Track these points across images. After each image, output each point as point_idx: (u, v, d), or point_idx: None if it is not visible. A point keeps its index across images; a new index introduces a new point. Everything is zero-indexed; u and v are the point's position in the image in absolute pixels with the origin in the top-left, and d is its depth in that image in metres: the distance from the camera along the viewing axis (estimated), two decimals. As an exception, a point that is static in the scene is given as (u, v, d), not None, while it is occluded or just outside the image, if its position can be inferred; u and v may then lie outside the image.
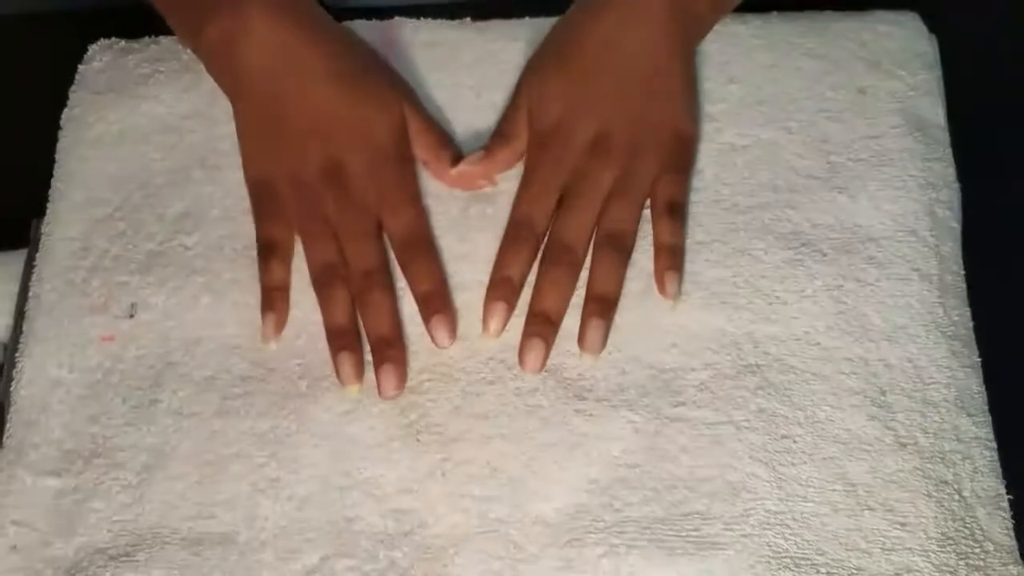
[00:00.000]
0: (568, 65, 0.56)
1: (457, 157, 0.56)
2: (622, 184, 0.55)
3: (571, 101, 0.56)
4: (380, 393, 0.52)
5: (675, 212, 0.54)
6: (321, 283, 0.54)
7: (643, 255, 0.55)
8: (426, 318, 0.53)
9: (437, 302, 0.53)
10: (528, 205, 0.55)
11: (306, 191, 0.55)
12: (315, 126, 0.55)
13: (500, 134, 0.57)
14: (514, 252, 0.54)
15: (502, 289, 0.53)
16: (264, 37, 0.55)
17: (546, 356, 0.52)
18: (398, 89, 0.57)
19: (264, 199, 0.56)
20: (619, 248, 0.54)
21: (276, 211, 0.55)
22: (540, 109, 0.56)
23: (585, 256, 0.54)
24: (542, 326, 0.52)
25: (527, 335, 0.52)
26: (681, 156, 0.56)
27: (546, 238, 0.55)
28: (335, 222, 0.54)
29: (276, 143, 0.56)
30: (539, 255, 0.54)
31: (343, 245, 0.54)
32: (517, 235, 0.54)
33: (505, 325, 0.53)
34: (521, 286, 0.54)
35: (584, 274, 0.54)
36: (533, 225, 0.54)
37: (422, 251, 0.54)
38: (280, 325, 0.54)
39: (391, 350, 0.52)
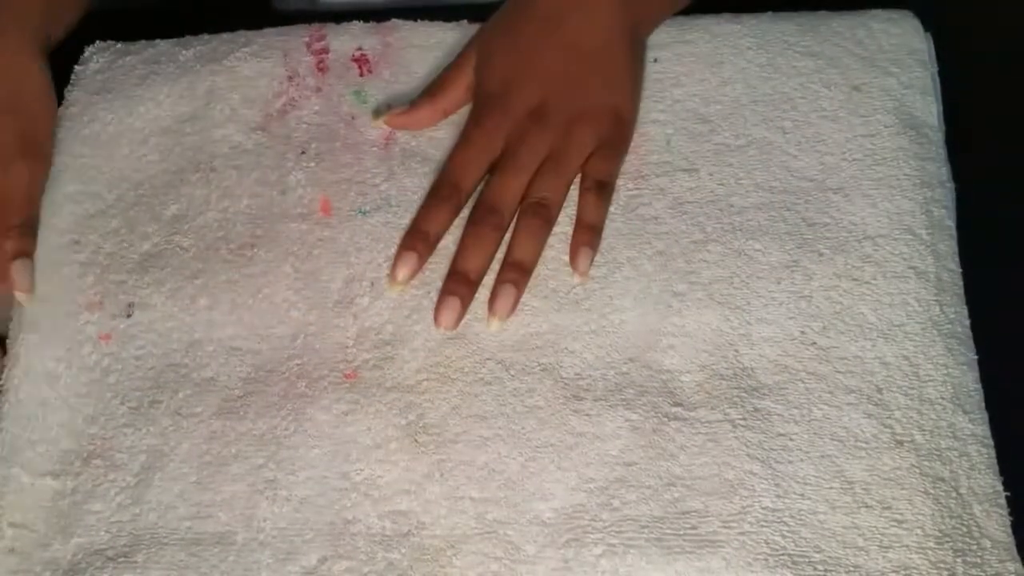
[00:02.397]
0: (516, 36, 0.58)
1: None
2: (555, 155, 0.56)
3: (515, 70, 0.57)
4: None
5: (601, 191, 0.55)
6: None
7: (640, 253, 0.55)
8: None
9: None
10: (459, 166, 0.56)
11: None
12: None
13: (429, 91, 0.59)
14: (436, 209, 0.55)
15: (417, 240, 0.55)
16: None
17: (462, 315, 0.53)
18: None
19: None
20: (541, 217, 0.55)
21: None
22: (485, 75, 0.58)
23: (511, 220, 0.55)
24: (461, 285, 0.53)
25: (445, 292, 0.53)
26: (617, 136, 0.57)
27: (476, 200, 0.56)
28: None
29: None
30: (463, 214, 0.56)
31: None
32: (441, 193, 0.55)
33: (414, 275, 0.54)
34: (436, 242, 0.55)
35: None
36: (460, 186, 0.55)
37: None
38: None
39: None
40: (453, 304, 0.53)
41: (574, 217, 0.56)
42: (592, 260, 0.54)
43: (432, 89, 0.59)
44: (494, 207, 0.55)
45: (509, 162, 0.56)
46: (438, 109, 0.58)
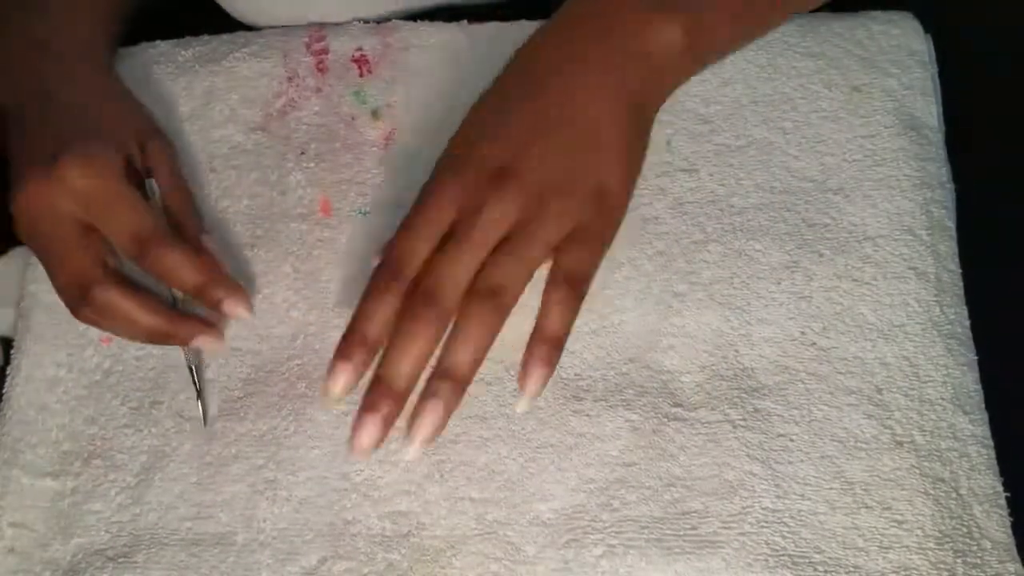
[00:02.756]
0: (497, 95, 0.49)
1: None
2: (520, 232, 0.45)
3: (483, 126, 0.48)
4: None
5: (573, 287, 0.45)
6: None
7: (640, 253, 0.55)
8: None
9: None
10: (404, 242, 0.45)
11: None
12: None
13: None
14: (375, 302, 0.44)
15: (353, 346, 0.44)
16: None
17: (382, 438, 0.43)
18: None
19: None
20: (491, 304, 0.44)
21: None
22: (454, 136, 0.48)
23: (455, 309, 0.44)
24: (385, 398, 0.43)
25: (365, 408, 0.43)
26: (600, 221, 0.46)
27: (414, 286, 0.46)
28: None
29: None
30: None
31: None
32: (381, 280, 0.45)
33: (351, 388, 0.44)
34: (377, 343, 0.44)
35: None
36: (403, 268, 0.45)
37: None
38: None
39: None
40: (373, 423, 0.43)
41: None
42: (547, 382, 0.44)
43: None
44: (433, 296, 0.44)
45: (462, 234, 0.45)
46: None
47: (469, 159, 0.46)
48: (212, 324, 0.52)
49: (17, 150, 0.52)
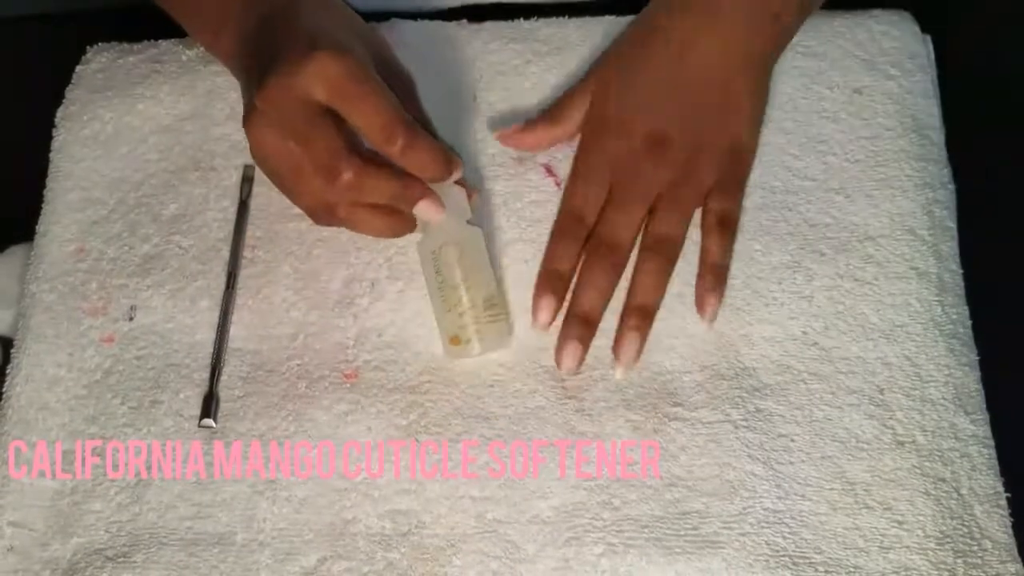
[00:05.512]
0: (636, 63, 0.56)
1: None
2: (675, 188, 0.54)
3: (634, 97, 0.55)
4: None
5: (726, 227, 0.54)
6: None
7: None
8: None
9: None
10: (578, 198, 0.54)
11: None
12: None
13: (548, 115, 0.57)
14: (564, 245, 0.54)
15: (551, 282, 0.53)
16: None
17: (583, 358, 0.52)
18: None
19: None
20: (665, 255, 0.53)
21: None
22: (601, 101, 0.56)
23: (629, 256, 0.54)
24: (581, 328, 0.52)
25: (564, 337, 0.52)
26: (737, 169, 0.55)
27: (592, 236, 0.54)
28: None
29: None
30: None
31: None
32: (567, 228, 0.54)
33: (554, 318, 0.53)
34: (570, 279, 0.53)
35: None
36: (583, 217, 0.54)
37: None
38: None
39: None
40: (574, 348, 0.52)
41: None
42: (719, 305, 0.52)
43: (550, 112, 0.57)
44: (613, 243, 0.53)
45: (626, 193, 0.54)
46: (554, 134, 0.56)
47: (627, 126, 0.55)
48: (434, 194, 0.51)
49: (266, 50, 0.50)
